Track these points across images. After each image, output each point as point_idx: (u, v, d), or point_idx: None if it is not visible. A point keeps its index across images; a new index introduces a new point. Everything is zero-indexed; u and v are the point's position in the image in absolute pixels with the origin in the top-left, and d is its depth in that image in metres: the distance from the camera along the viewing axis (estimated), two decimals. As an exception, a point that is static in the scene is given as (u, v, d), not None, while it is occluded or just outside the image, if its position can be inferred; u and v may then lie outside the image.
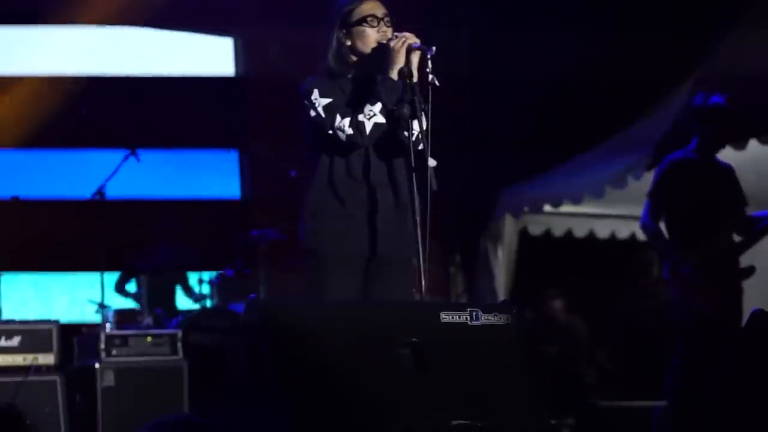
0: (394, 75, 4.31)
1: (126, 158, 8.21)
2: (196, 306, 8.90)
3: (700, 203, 5.94)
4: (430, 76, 4.26)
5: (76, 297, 8.63)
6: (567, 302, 9.90)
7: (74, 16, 9.69)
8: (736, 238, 6.18)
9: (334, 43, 4.46)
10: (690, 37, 9.25)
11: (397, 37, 4.35)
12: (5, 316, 7.67)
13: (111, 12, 9.56)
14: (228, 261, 8.81)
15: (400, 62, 4.31)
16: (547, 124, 9.86)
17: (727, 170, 6.14)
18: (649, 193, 6.09)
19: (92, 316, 8.33)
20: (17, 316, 7.69)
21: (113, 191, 8.15)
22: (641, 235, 7.60)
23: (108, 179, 8.12)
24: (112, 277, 8.28)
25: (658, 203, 6.03)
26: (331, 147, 4.38)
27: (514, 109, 10.03)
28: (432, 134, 4.34)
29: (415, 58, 4.33)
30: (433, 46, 4.27)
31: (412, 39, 4.33)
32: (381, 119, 4.30)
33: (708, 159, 6.03)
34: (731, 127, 6.05)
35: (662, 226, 6.13)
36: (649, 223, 6.05)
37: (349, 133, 4.29)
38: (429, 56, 4.25)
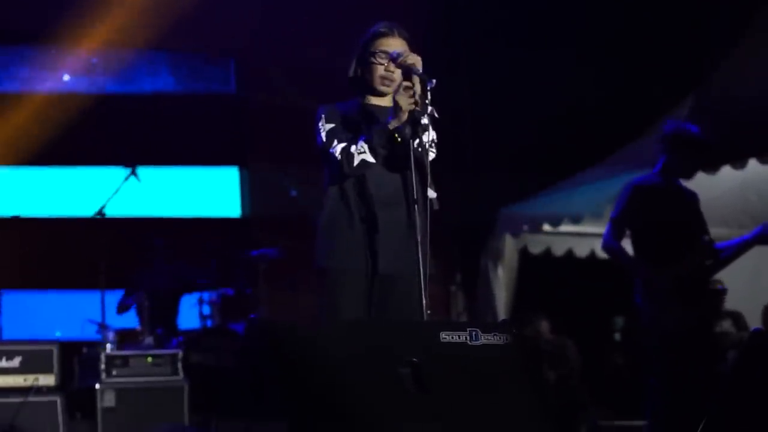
0: (400, 93, 4.32)
1: (127, 178, 8.23)
2: (197, 325, 8.90)
3: (666, 226, 5.98)
4: (429, 108, 4.31)
5: (76, 315, 8.62)
6: (555, 323, 9.87)
7: (78, 39, 9.75)
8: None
9: (353, 64, 4.60)
10: (688, 58, 9.30)
11: (401, 55, 4.40)
12: (7, 335, 7.68)
13: (113, 35, 9.61)
14: (228, 280, 8.82)
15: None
16: (545, 143, 9.89)
17: (691, 196, 6.18)
18: (612, 217, 6.13)
19: (92, 335, 8.32)
20: (19, 335, 7.70)
21: (113, 209, 8.19)
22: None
23: (109, 199, 8.15)
24: (112, 297, 8.26)
25: (621, 227, 6.09)
26: (333, 170, 4.46)
27: (514, 127, 10.06)
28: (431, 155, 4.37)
29: (416, 81, 4.35)
30: (434, 78, 4.27)
31: (418, 63, 4.36)
32: (370, 158, 4.38)
33: (672, 183, 6.08)
34: (699, 156, 6.11)
35: (628, 247, 6.16)
36: (612, 243, 6.09)
37: (338, 158, 4.40)
38: (429, 88, 4.28)
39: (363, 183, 4.46)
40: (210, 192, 10.70)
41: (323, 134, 4.47)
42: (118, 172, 8.34)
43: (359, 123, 4.51)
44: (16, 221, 8.45)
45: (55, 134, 9.72)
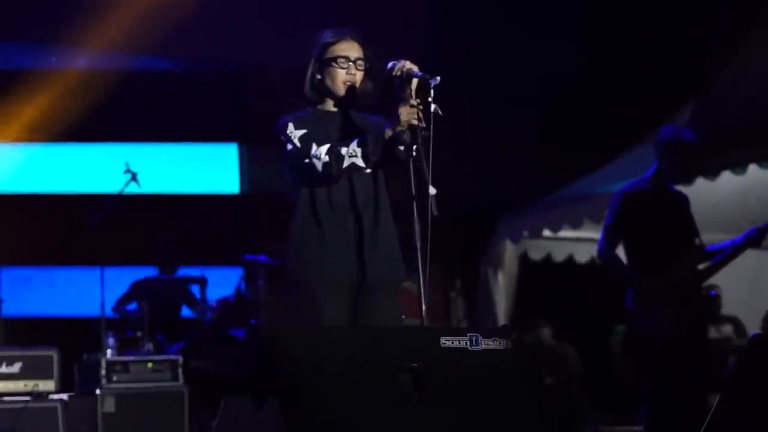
0: (402, 105, 4.28)
1: (127, 183, 8.25)
2: (197, 331, 8.89)
3: (657, 231, 5.99)
4: (433, 106, 4.23)
5: (76, 292, 8.64)
6: (555, 330, 9.87)
7: (83, 42, 9.76)
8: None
9: (309, 74, 4.55)
10: (689, 62, 9.30)
11: (397, 63, 4.36)
12: (6, 311, 7.68)
13: (117, 40, 9.62)
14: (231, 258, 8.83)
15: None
16: (545, 149, 9.88)
17: (683, 200, 6.18)
18: (605, 225, 6.14)
19: (92, 312, 8.26)
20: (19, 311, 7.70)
21: (112, 186, 8.23)
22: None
23: (111, 202, 8.18)
24: (111, 273, 8.21)
25: (614, 234, 6.10)
26: (307, 177, 4.40)
27: (514, 132, 10.06)
28: (432, 159, 4.34)
29: (413, 85, 4.32)
30: (437, 75, 4.25)
31: (410, 65, 4.34)
32: (361, 163, 4.32)
33: (663, 188, 6.09)
34: (692, 161, 6.13)
35: (621, 254, 6.17)
36: (606, 252, 6.10)
37: (325, 160, 4.32)
38: (432, 85, 4.23)
39: (335, 189, 4.41)
40: (209, 169, 10.70)
41: (295, 140, 4.38)
42: (114, 149, 8.34)
43: (327, 129, 4.46)
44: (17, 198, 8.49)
45: (52, 112, 9.70)
